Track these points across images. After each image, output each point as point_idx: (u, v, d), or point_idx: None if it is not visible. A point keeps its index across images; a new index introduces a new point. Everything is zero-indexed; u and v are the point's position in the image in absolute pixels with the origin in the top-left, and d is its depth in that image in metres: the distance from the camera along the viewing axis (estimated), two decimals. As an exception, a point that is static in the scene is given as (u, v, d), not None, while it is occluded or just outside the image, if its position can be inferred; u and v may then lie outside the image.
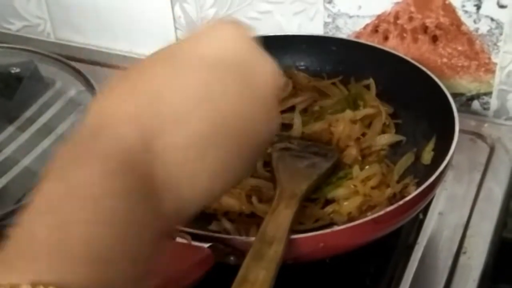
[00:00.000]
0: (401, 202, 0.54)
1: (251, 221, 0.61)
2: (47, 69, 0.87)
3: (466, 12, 0.75)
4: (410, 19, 0.78)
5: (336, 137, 0.69)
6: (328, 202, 0.63)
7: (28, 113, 0.83)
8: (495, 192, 0.69)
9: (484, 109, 0.80)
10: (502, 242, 0.72)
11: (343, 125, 0.69)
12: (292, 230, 0.53)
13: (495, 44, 0.76)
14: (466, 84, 0.80)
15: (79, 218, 0.31)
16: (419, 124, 0.69)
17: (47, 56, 0.88)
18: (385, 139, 0.69)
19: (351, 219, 0.60)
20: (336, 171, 0.65)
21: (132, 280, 0.32)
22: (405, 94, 0.71)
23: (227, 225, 0.61)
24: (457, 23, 0.76)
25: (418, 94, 0.70)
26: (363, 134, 0.69)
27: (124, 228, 0.32)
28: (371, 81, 0.74)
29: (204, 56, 0.38)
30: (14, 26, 1.03)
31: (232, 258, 0.52)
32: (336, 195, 0.63)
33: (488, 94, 0.79)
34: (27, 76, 0.86)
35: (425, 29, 0.78)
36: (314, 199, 0.62)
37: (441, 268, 0.61)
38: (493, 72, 0.78)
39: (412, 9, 0.77)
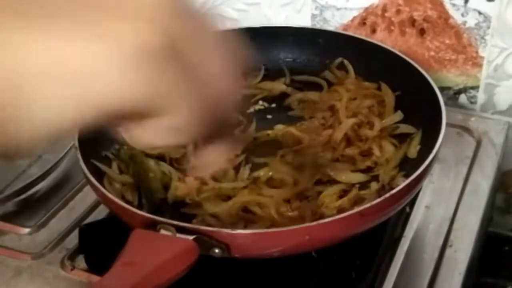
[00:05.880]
0: (387, 195, 0.54)
1: (238, 217, 0.61)
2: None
3: (453, 5, 0.75)
4: (398, 12, 0.78)
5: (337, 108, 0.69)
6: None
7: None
8: (481, 186, 0.69)
9: (471, 102, 0.80)
10: (488, 235, 0.72)
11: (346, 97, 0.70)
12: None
13: (482, 38, 0.76)
14: (453, 77, 0.80)
15: None
16: (406, 117, 0.69)
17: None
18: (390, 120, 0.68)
19: (340, 211, 0.59)
20: None
21: None
22: (392, 87, 0.71)
23: (212, 222, 0.60)
24: (445, 16, 0.76)
25: (405, 87, 0.70)
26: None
27: None
28: (346, 63, 0.74)
29: None
30: None
31: (217, 250, 0.52)
32: (326, 189, 0.62)
33: (475, 88, 0.79)
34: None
35: (412, 22, 0.78)
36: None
37: (427, 261, 0.61)
38: (481, 66, 0.78)
39: (400, 2, 0.77)
